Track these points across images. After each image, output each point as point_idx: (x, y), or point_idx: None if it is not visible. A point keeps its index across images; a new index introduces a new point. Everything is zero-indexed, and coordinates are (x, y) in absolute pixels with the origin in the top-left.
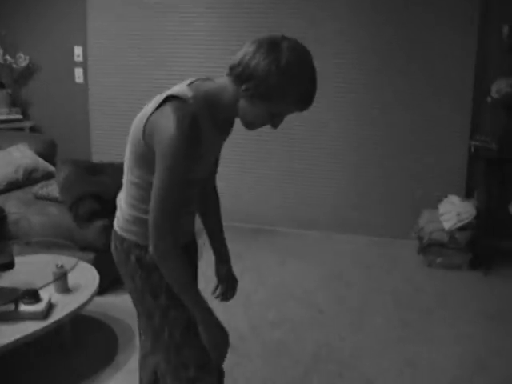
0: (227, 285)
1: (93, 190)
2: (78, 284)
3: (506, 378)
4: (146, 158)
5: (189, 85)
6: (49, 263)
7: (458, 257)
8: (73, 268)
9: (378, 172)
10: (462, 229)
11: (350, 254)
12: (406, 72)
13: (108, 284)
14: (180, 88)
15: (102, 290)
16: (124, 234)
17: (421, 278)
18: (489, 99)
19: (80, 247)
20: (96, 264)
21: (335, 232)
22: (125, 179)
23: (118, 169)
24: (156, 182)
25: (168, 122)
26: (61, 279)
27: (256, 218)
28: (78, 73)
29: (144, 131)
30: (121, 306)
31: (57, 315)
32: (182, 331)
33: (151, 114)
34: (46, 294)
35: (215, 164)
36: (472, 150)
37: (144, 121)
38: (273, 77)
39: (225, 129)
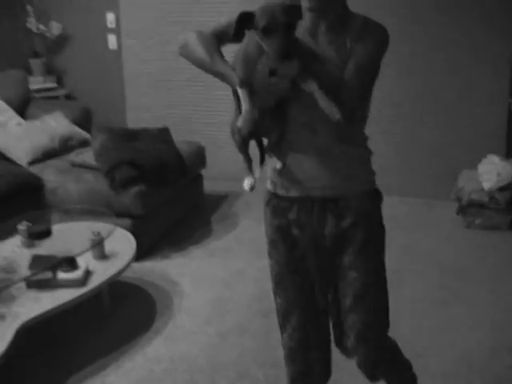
0: None
1: (128, 157)
2: (115, 250)
3: None
4: None
5: None
6: (86, 230)
7: (497, 217)
8: (109, 235)
9: (417, 133)
10: (502, 189)
11: (388, 216)
12: (445, 35)
13: (145, 250)
14: None
15: (140, 256)
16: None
17: (459, 238)
18: None
19: (116, 214)
20: (133, 230)
21: None
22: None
23: (152, 135)
24: None
25: None
26: (98, 246)
27: None
28: (112, 39)
29: None
30: (158, 272)
31: (94, 282)
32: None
33: None
34: (83, 262)
35: None
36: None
37: None
38: None
39: None
